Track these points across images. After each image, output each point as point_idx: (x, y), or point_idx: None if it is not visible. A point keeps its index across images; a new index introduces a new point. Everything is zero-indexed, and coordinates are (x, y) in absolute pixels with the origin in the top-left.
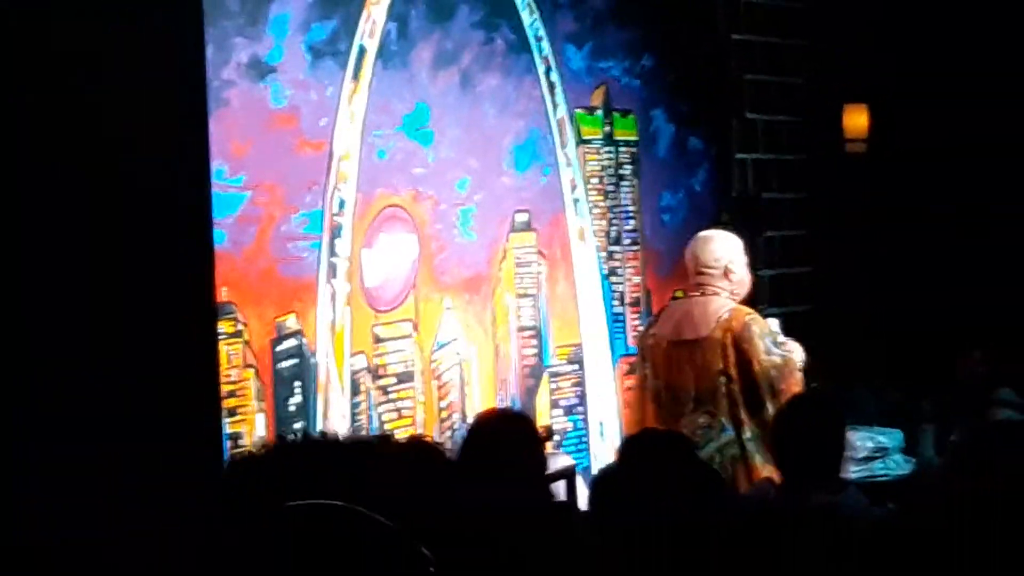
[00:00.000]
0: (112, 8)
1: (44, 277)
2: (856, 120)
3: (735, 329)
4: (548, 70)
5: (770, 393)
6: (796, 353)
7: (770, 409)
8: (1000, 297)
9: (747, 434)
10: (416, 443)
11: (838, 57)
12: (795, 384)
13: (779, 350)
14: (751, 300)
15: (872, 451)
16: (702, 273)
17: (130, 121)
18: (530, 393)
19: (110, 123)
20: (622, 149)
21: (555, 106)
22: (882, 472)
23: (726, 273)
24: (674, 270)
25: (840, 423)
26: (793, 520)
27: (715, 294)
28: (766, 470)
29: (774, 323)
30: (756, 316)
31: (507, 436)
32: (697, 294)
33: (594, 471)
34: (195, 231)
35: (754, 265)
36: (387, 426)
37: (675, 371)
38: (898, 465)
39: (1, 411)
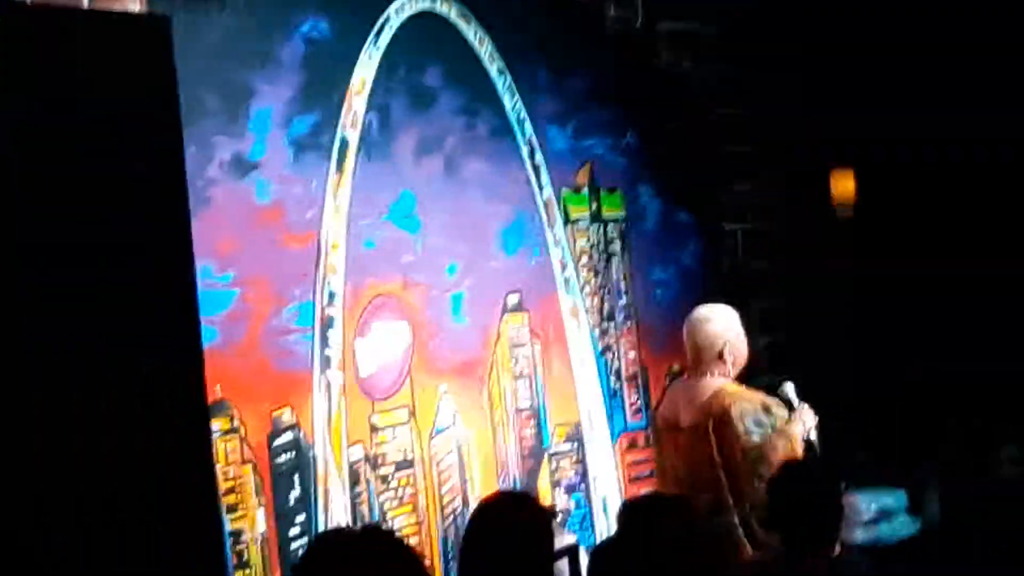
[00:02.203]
0: (87, 112)
1: (36, 387)
2: (843, 185)
3: (716, 414)
4: (532, 152)
5: (754, 474)
6: (797, 424)
7: (755, 491)
8: (992, 360)
9: (735, 519)
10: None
11: (824, 122)
12: (780, 458)
13: (760, 429)
14: (749, 369)
15: (877, 513)
16: (697, 357)
17: (109, 225)
18: (531, 474)
19: (89, 231)
20: (610, 226)
21: (541, 187)
22: (888, 534)
23: (720, 355)
24: (668, 344)
25: (835, 485)
26: None
27: (708, 374)
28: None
29: (789, 387)
30: (740, 396)
31: (512, 517)
32: (692, 377)
33: None
34: (183, 331)
35: (747, 335)
36: (389, 515)
37: (672, 456)
38: (903, 526)
39: None
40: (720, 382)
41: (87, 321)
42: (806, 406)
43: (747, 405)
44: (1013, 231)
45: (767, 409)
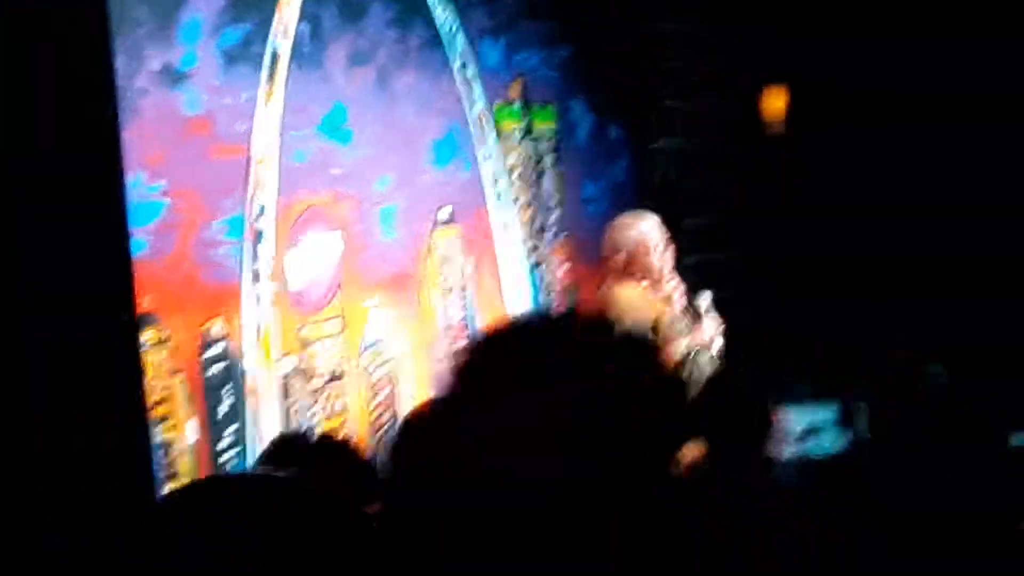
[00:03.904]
0: (17, 21)
1: None
2: (775, 103)
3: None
4: (464, 65)
5: None
6: (677, 342)
7: None
8: (922, 272)
9: None
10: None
11: (756, 40)
12: None
13: None
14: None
15: (805, 430)
16: (606, 265)
17: (39, 133)
18: None
19: (16, 138)
20: (542, 141)
21: (473, 101)
22: (816, 450)
23: (623, 263)
24: (600, 259)
25: (762, 398)
26: (723, 498)
27: (615, 281)
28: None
29: (704, 297)
30: (621, 303)
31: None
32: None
33: None
34: (112, 240)
35: (677, 253)
36: (319, 427)
37: None
38: (831, 440)
39: None
40: (618, 289)
41: (13, 230)
42: (708, 318)
43: (622, 312)
44: (947, 148)
45: (653, 325)
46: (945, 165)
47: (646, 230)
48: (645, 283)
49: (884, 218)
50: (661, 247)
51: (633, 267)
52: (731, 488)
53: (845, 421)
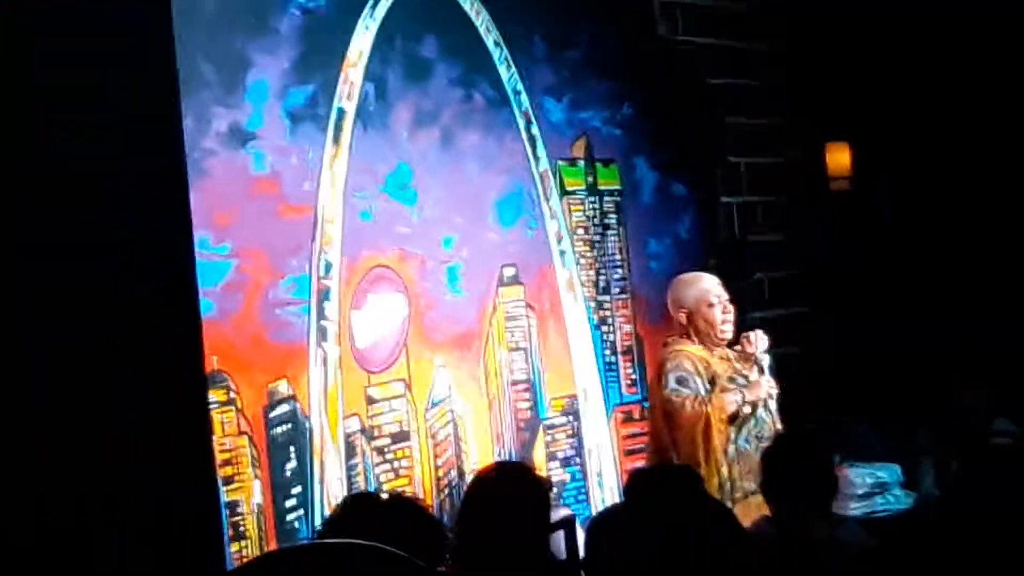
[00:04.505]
0: (86, 83)
1: (30, 363)
2: (838, 158)
3: (658, 366)
4: (528, 124)
5: (667, 427)
6: (734, 393)
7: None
8: (993, 327)
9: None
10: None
11: (818, 96)
12: (684, 420)
13: (679, 386)
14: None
15: (872, 487)
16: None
17: (107, 197)
18: (526, 447)
19: (86, 200)
20: (606, 198)
21: (537, 159)
22: (883, 507)
23: (680, 320)
24: (664, 317)
25: (826, 456)
26: (793, 555)
27: (679, 336)
28: None
29: (764, 358)
30: (681, 354)
31: (509, 489)
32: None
33: None
34: (180, 302)
35: (744, 308)
36: (385, 487)
37: None
38: (898, 499)
39: None
40: (681, 342)
41: (85, 295)
42: (763, 379)
43: (684, 362)
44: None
45: (711, 378)
46: (1015, 208)
47: (706, 288)
48: (705, 340)
49: (951, 268)
50: (721, 305)
51: (694, 324)
52: (795, 545)
53: (912, 478)
